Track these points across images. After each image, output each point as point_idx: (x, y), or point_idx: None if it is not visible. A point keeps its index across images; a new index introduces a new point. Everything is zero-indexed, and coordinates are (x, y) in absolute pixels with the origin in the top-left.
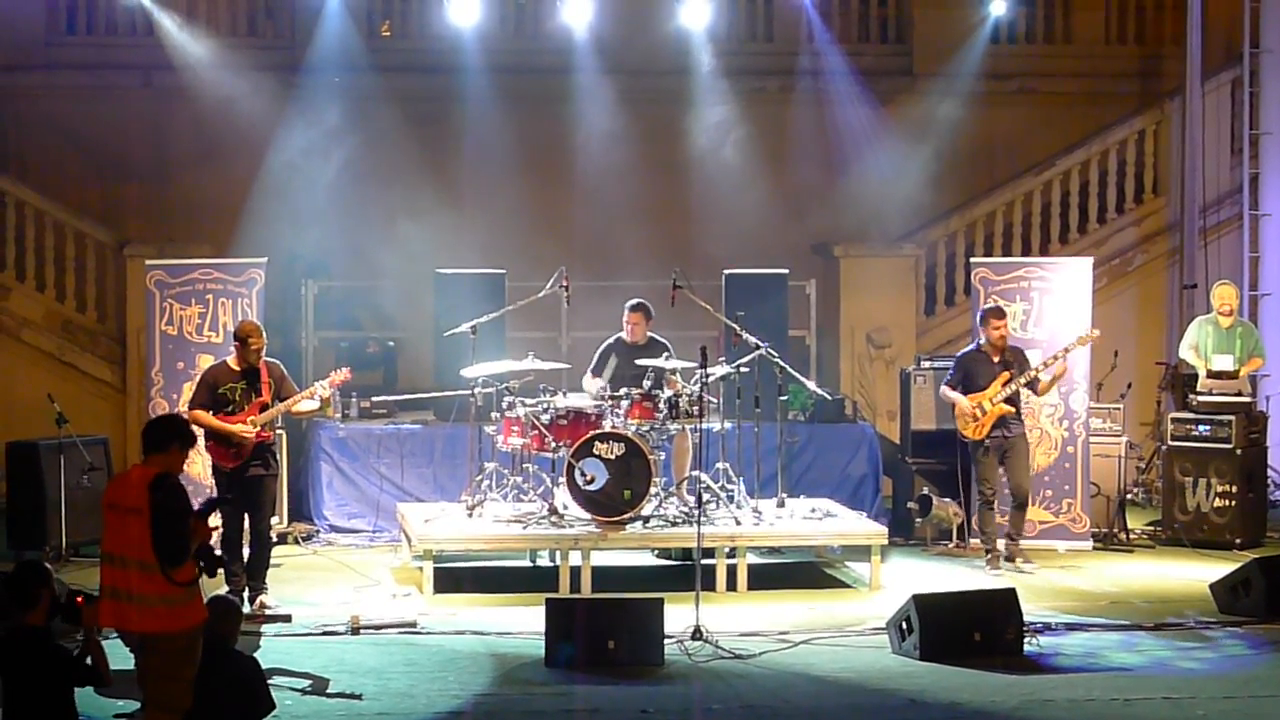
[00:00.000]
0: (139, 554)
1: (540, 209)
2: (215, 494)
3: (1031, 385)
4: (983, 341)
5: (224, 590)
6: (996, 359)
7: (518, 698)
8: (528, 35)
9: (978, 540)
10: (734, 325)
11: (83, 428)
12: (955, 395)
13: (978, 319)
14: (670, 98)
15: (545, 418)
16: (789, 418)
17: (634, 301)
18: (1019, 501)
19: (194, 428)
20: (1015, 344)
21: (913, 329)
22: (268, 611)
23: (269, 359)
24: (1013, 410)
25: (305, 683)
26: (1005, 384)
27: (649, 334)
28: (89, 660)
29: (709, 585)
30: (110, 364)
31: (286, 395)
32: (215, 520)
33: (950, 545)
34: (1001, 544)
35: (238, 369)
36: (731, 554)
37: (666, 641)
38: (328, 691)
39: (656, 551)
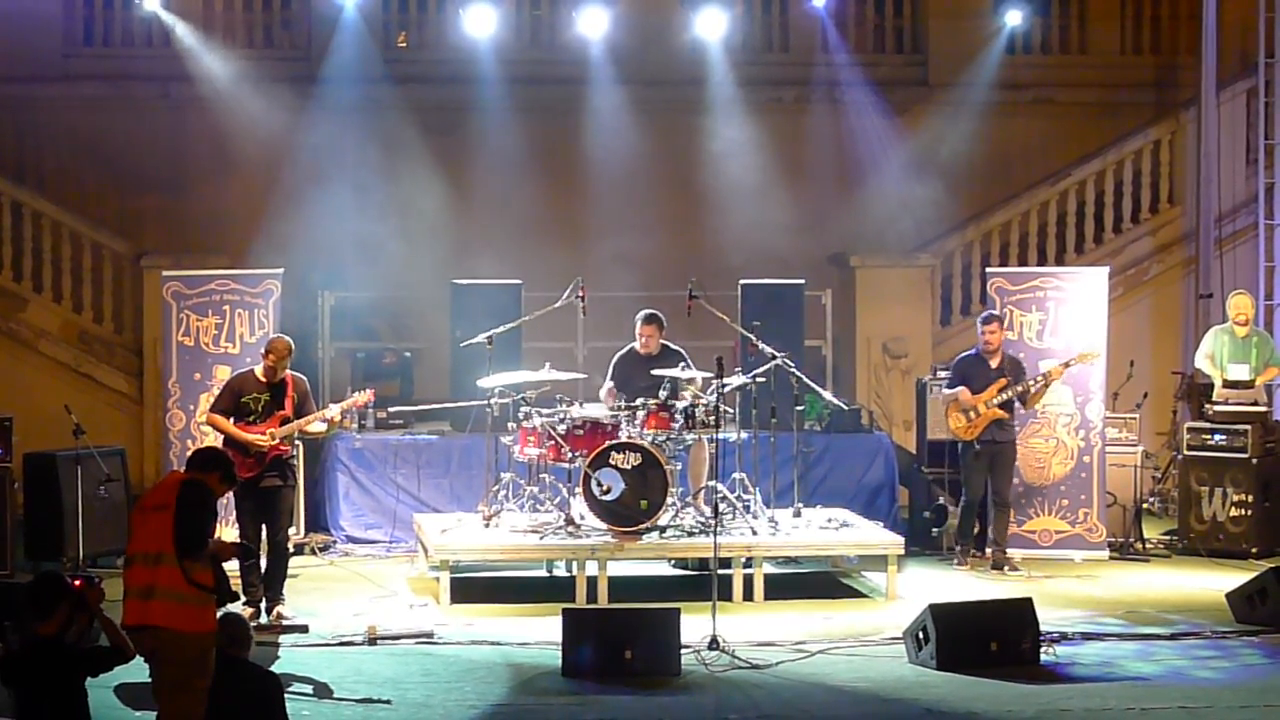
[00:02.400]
0: (159, 547)
1: (556, 219)
2: (232, 504)
3: (1022, 398)
4: (980, 347)
5: (241, 602)
6: (994, 365)
7: (534, 707)
8: (543, 46)
9: (990, 549)
10: (750, 335)
11: (100, 439)
12: (954, 390)
13: (978, 323)
14: (686, 108)
15: (561, 428)
16: (805, 427)
17: (646, 313)
18: (1000, 505)
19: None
20: (1013, 355)
21: (929, 339)
22: (285, 622)
23: (296, 374)
24: (1007, 416)
25: (322, 693)
26: (1001, 390)
27: (663, 343)
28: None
29: (725, 595)
30: (127, 375)
31: (307, 413)
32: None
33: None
34: (990, 550)
35: (264, 380)
36: (748, 564)
37: (683, 651)
38: (345, 701)
39: (673, 561)
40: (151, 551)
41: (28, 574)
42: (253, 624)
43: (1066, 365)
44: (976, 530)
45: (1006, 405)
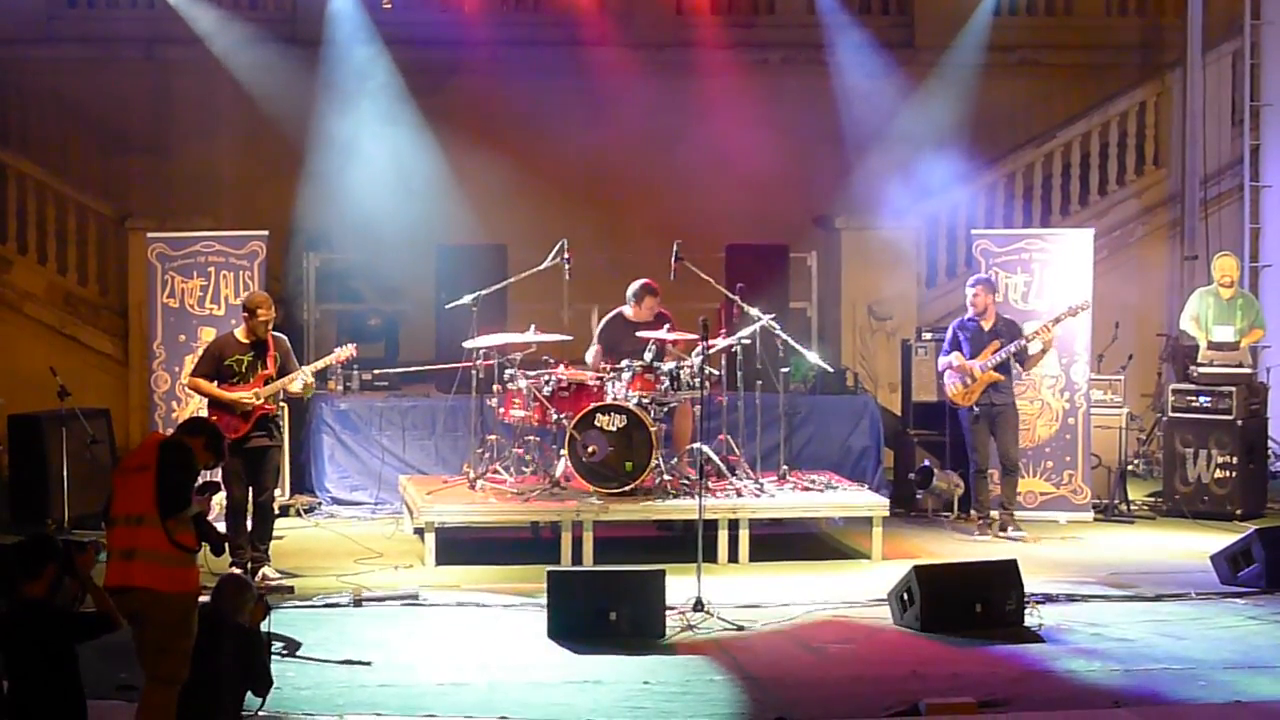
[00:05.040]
0: (140, 508)
1: (542, 181)
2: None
3: (1020, 358)
4: (970, 311)
5: (230, 563)
6: (987, 328)
7: (519, 669)
8: (530, 7)
9: (997, 512)
10: (735, 297)
11: (85, 400)
12: (948, 358)
13: (966, 286)
14: (672, 70)
15: (547, 390)
16: (790, 389)
17: (647, 285)
18: (1008, 469)
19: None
20: (1008, 317)
21: (914, 301)
22: (270, 583)
23: (276, 334)
24: (1002, 378)
25: (307, 654)
26: (995, 352)
27: None
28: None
29: (710, 557)
30: (112, 337)
31: (289, 372)
32: (218, 498)
33: (951, 516)
34: (995, 513)
35: (246, 341)
36: (733, 525)
37: (668, 613)
38: (330, 663)
39: (658, 523)
40: (134, 513)
41: (13, 536)
42: None
43: (1057, 320)
44: (961, 492)
45: (1002, 368)
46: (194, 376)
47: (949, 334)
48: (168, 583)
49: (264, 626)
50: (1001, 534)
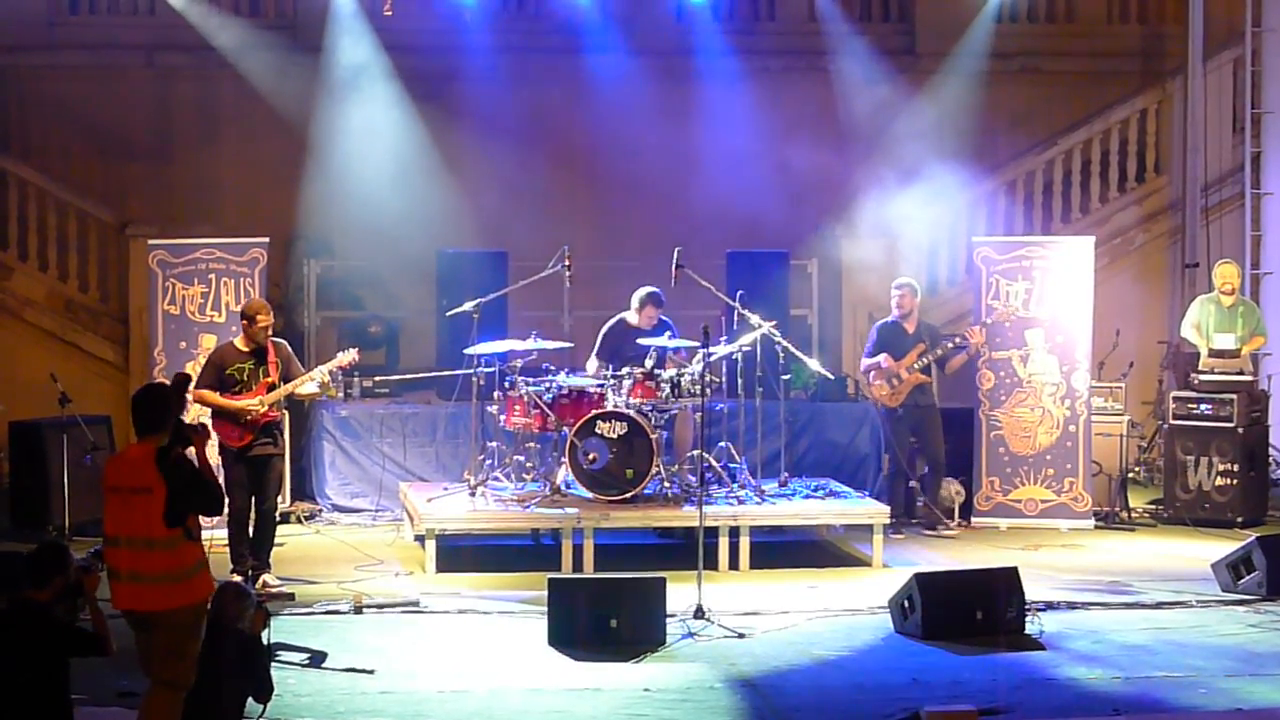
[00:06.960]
0: (147, 532)
1: (543, 188)
2: (221, 468)
3: (941, 362)
4: (895, 314)
5: (230, 570)
6: (910, 331)
7: (520, 676)
8: (530, 14)
9: (960, 519)
10: (736, 304)
11: (85, 407)
12: (876, 359)
13: (891, 288)
14: (673, 77)
15: (548, 397)
16: (791, 396)
17: (651, 293)
18: (935, 469)
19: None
20: (928, 321)
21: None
22: (270, 590)
23: (276, 339)
24: (929, 380)
25: (308, 661)
26: (920, 355)
27: None
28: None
29: (711, 564)
30: (113, 344)
31: (293, 376)
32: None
33: (953, 524)
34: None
35: (246, 349)
36: (734, 533)
37: (669, 620)
38: (331, 670)
39: (659, 530)
40: (139, 536)
41: (13, 543)
42: None
43: (984, 326)
44: (962, 499)
45: (926, 370)
46: (197, 388)
47: (872, 335)
48: (178, 599)
49: (264, 634)
50: (929, 532)
